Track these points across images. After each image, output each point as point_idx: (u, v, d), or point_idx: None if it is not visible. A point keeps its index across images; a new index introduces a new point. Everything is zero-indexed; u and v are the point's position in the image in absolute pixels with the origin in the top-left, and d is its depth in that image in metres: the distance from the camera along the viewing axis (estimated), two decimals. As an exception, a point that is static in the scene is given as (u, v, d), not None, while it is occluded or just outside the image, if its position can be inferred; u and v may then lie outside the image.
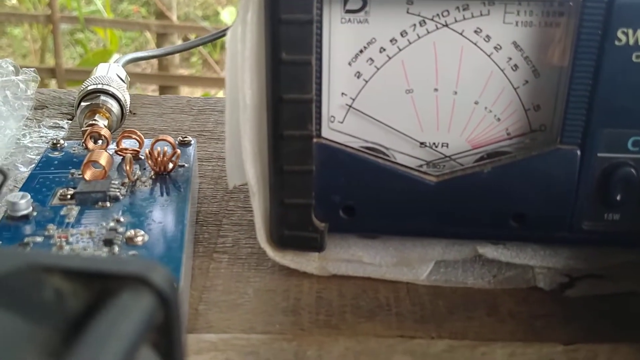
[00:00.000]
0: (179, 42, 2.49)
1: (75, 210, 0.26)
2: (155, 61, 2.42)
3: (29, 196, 0.26)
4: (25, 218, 0.25)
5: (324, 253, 0.27)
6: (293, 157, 0.25)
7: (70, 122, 0.39)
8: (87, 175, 0.28)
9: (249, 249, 0.29)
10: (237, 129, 0.25)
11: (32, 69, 0.38)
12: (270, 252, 0.27)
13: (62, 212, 0.26)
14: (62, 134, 0.37)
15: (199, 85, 2.52)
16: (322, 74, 0.25)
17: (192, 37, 2.63)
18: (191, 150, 0.33)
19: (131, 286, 0.12)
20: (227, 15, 2.82)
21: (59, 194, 0.27)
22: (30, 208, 0.26)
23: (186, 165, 0.31)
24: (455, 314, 0.25)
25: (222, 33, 0.41)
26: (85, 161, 0.28)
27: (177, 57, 2.37)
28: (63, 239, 0.24)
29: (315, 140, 0.25)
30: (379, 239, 0.27)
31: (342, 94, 0.26)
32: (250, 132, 0.25)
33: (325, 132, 0.26)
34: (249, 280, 0.27)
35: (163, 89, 2.30)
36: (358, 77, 0.25)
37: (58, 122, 0.38)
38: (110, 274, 0.12)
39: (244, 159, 0.25)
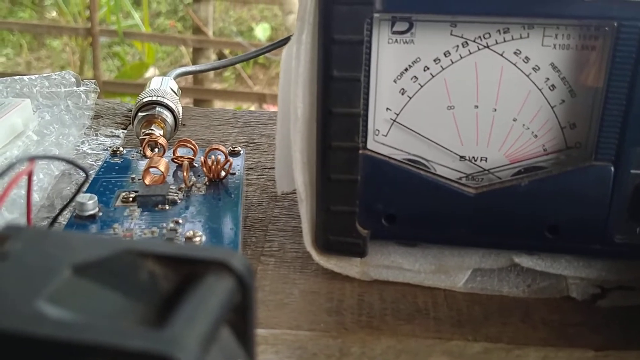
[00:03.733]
0: (213, 57, 2.54)
1: (137, 211, 0.28)
2: (189, 75, 2.47)
3: (96, 198, 0.28)
4: (92, 218, 0.28)
5: (366, 259, 0.28)
6: (340, 167, 0.27)
7: (124, 131, 0.41)
8: (147, 180, 0.30)
9: (294, 253, 0.31)
10: (287, 140, 0.27)
11: (92, 81, 0.40)
12: (316, 256, 0.28)
13: (125, 213, 0.28)
14: (118, 142, 0.39)
15: (231, 99, 2.56)
16: (369, 90, 0.27)
17: (227, 52, 2.68)
18: (240, 159, 0.35)
19: (215, 270, 0.14)
20: (261, 31, 2.87)
21: (121, 196, 0.30)
22: (97, 209, 0.28)
23: (236, 173, 0.33)
24: (490, 319, 0.26)
25: (276, 45, 0.43)
26: (145, 167, 0.30)
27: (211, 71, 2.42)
28: (128, 238, 0.26)
29: (361, 151, 0.27)
30: (418, 247, 0.29)
31: (387, 109, 0.27)
32: (301, 142, 0.27)
33: (371, 145, 0.28)
34: (294, 282, 0.29)
35: (197, 103, 2.35)
36: (402, 94, 0.27)
37: (114, 130, 0.41)
38: (196, 259, 0.14)
39: (294, 168, 0.27)
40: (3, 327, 0.12)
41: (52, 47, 2.99)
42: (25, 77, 0.40)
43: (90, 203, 0.28)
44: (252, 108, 2.51)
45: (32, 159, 0.16)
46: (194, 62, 2.51)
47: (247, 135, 0.44)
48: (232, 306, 0.14)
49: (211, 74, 2.53)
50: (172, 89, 0.40)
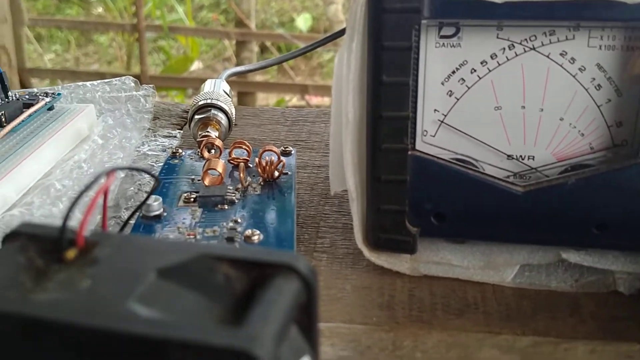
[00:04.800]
0: (256, 49, 2.57)
1: (198, 211, 0.30)
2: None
3: (161, 199, 0.30)
4: (158, 218, 0.30)
5: (416, 255, 0.29)
6: (389, 168, 0.28)
7: (181, 131, 0.43)
8: (207, 181, 0.32)
9: (345, 250, 0.32)
10: (340, 142, 0.29)
11: (150, 86, 0.42)
12: (367, 253, 0.30)
13: (187, 213, 0.30)
14: (175, 142, 0.41)
15: (274, 91, 2.58)
16: (417, 93, 0.28)
17: (269, 44, 2.70)
18: (292, 159, 0.36)
19: (282, 273, 0.16)
20: (302, 21, 2.88)
21: (182, 197, 0.31)
22: (162, 209, 0.30)
23: (289, 173, 0.34)
24: (539, 314, 0.27)
25: (326, 40, 0.44)
26: (204, 169, 0.32)
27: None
28: (192, 237, 0.28)
29: (410, 152, 0.28)
30: (466, 244, 0.30)
31: (435, 110, 0.28)
32: (352, 145, 0.28)
33: (419, 145, 0.29)
34: (346, 277, 0.30)
35: (240, 95, 2.37)
36: (450, 95, 0.28)
37: (171, 131, 0.43)
38: (266, 262, 0.16)
39: (345, 169, 0.29)
40: (101, 325, 0.14)
41: (99, 43, 3.06)
42: (87, 83, 0.43)
43: (155, 204, 0.29)
44: (295, 99, 2.53)
45: (113, 170, 0.18)
46: (237, 55, 2.54)
47: (296, 134, 0.45)
48: (299, 306, 0.16)
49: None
50: (224, 91, 0.42)
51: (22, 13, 2.13)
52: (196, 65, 2.72)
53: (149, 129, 0.42)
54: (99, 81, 0.43)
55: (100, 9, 3.04)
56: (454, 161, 0.28)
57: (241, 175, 0.32)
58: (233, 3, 2.61)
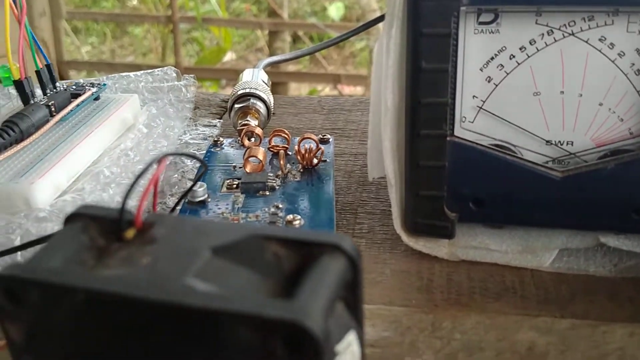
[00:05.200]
0: (289, 39, 2.58)
1: (241, 197, 0.31)
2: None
3: (205, 185, 0.31)
4: (202, 203, 0.31)
5: (454, 240, 0.30)
6: (428, 154, 0.28)
7: (220, 120, 0.44)
8: (248, 168, 0.33)
9: (383, 235, 0.32)
10: (378, 129, 0.29)
11: (191, 76, 0.43)
12: (405, 238, 0.30)
13: (230, 199, 0.31)
14: (215, 131, 0.42)
15: (306, 80, 2.58)
16: (456, 79, 0.28)
17: (301, 33, 2.71)
18: (330, 146, 0.37)
19: (329, 252, 0.16)
20: (334, 10, 2.88)
21: (225, 183, 0.32)
22: (206, 195, 0.31)
23: (327, 160, 0.35)
24: (577, 297, 0.27)
25: (363, 28, 0.44)
26: (245, 156, 0.33)
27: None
28: (235, 221, 0.29)
29: (448, 138, 0.28)
30: (504, 228, 0.30)
31: (474, 96, 0.29)
32: (391, 131, 0.29)
33: (458, 131, 0.29)
34: (385, 261, 0.31)
35: (273, 85, 2.38)
36: (488, 82, 0.28)
37: (211, 120, 0.44)
38: (313, 242, 0.16)
39: (384, 155, 0.29)
40: (162, 298, 0.15)
41: (134, 35, 3.10)
42: (131, 74, 0.44)
43: (200, 190, 0.30)
44: (327, 89, 2.53)
45: (165, 157, 0.18)
46: (270, 45, 2.55)
47: (332, 122, 0.46)
48: (345, 283, 0.16)
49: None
50: (263, 80, 0.43)
51: (60, 6, 2.17)
52: (229, 56, 2.74)
53: (190, 118, 0.43)
54: (142, 72, 0.44)
55: (135, 1, 3.08)
56: (492, 147, 0.29)
57: (281, 162, 0.33)
58: (265, -7, 2.62)
